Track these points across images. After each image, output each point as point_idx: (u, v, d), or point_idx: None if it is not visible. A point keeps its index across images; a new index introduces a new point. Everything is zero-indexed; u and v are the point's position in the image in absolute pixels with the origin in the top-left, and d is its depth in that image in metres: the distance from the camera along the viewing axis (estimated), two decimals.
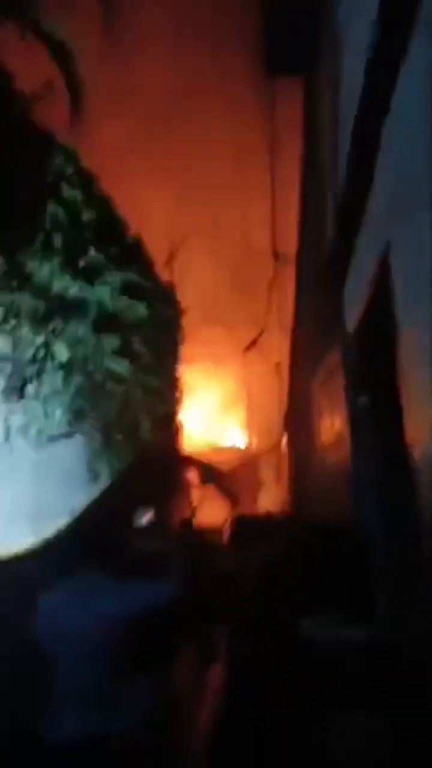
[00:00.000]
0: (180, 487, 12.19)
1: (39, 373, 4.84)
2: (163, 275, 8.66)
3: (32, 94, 4.38)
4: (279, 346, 10.49)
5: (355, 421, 3.24)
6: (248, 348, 11.48)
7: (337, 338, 3.34)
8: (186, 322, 9.28)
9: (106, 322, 5.79)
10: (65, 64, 4.39)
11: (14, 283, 4.23)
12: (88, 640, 2.14)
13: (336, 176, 2.98)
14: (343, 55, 2.74)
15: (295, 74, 4.72)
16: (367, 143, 2.28)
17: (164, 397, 8.55)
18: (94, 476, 6.18)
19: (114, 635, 2.16)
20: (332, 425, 4.21)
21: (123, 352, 6.21)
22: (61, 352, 4.94)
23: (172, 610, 2.27)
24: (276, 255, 7.94)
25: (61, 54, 4.46)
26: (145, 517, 4.40)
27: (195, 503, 13.24)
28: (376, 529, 3.11)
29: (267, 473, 16.74)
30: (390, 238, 2.18)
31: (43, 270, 4.69)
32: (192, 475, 14.72)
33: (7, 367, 4.33)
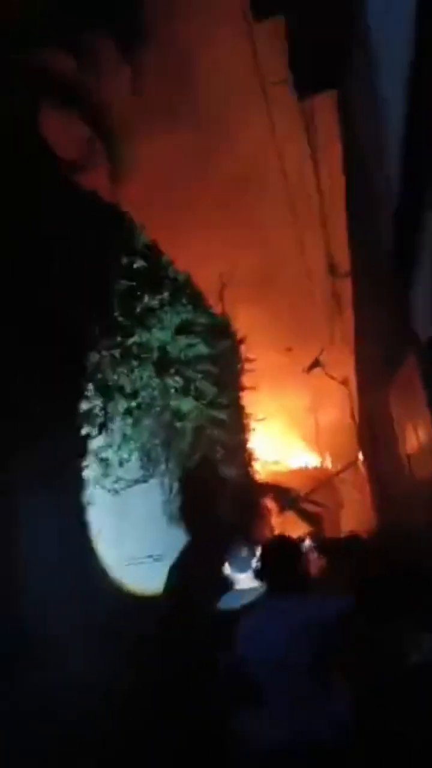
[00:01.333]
0: (261, 515, 12.01)
1: (108, 423, 4.93)
2: (217, 308, 8.72)
3: (74, 161, 4.59)
4: (344, 361, 10.23)
5: None
6: (311, 367, 11.27)
7: (411, 348, 3.18)
8: (244, 350, 9.26)
9: (167, 364, 5.85)
10: (103, 130, 4.61)
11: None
12: (289, 654, 2.39)
13: (386, 188, 2.88)
14: (378, 64, 2.68)
15: (327, 90, 4.68)
16: (420, 153, 2.17)
17: (233, 429, 8.50)
18: (171, 518, 6.16)
19: (311, 647, 2.40)
20: (416, 435, 4.01)
21: (187, 390, 6.23)
22: (129, 400, 5.01)
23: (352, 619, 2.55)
24: (332, 270, 7.82)
25: (98, 120, 4.70)
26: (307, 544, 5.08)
27: (276, 529, 13.01)
28: None
29: (346, 491, 16.20)
30: None
31: (102, 322, 4.82)
32: (271, 503, 14.50)
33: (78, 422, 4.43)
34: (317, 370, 10.98)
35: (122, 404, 5.02)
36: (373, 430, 8.05)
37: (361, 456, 11.67)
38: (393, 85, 2.46)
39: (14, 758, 3.02)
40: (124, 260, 5.54)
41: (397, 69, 2.26)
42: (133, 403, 5.11)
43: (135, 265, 5.53)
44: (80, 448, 4.34)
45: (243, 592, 3.48)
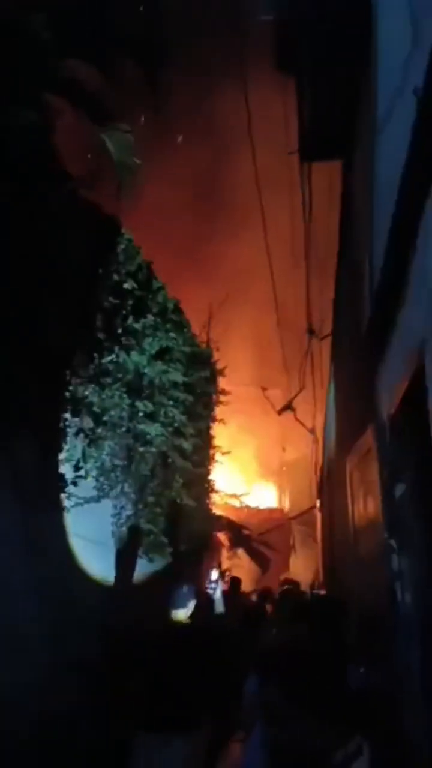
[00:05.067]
0: (212, 548, 11.86)
1: (71, 439, 4.88)
2: (201, 338, 8.79)
3: (83, 173, 4.65)
4: (313, 411, 10.37)
5: (390, 510, 3.09)
6: (282, 410, 11.38)
7: (371, 421, 3.26)
8: (221, 382, 9.32)
9: (140, 387, 5.86)
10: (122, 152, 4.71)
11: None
12: None
13: (372, 261, 3.00)
14: (380, 139, 2.81)
15: (330, 159, 4.88)
16: (403, 237, 2.29)
17: (196, 459, 8.48)
18: (122, 540, 6.08)
19: None
20: (366, 510, 4.04)
21: (155, 415, 6.22)
22: (95, 417, 4.99)
23: None
24: (312, 331, 8.07)
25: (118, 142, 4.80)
26: None
27: (226, 565, 12.87)
28: (412, 628, 2.91)
29: (298, 537, 16.19)
30: (426, 335, 2.14)
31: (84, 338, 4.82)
32: (223, 537, 14.38)
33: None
34: (288, 414, 11.14)
35: (88, 421, 4.99)
36: (331, 487, 8.12)
37: (318, 505, 11.73)
38: (389, 171, 2.59)
39: None
40: (115, 278, 5.57)
41: (394, 150, 2.38)
42: (100, 422, 5.09)
43: (125, 285, 5.57)
44: (42, 461, 4.28)
45: None
